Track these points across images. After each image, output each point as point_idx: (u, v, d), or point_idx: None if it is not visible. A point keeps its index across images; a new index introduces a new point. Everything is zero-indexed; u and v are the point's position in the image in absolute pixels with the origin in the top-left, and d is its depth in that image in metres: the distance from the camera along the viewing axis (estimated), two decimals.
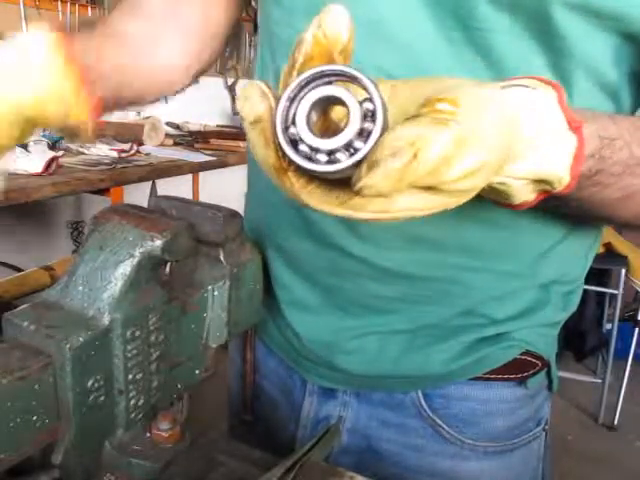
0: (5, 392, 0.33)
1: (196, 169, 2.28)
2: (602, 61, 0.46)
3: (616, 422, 2.42)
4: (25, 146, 1.77)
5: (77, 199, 2.49)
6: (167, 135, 2.47)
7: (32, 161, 1.66)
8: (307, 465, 0.48)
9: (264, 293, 0.55)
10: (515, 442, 0.63)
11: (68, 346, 0.35)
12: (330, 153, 0.29)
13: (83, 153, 2.02)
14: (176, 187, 2.33)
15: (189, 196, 2.50)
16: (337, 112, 0.32)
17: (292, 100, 0.29)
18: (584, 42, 0.44)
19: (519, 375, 0.60)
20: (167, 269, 0.43)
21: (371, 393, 0.62)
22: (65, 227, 2.48)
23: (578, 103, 0.47)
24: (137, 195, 2.04)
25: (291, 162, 0.30)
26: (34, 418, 0.35)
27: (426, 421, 0.61)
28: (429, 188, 0.30)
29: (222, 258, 0.48)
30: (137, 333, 0.40)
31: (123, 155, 2.03)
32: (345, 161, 0.28)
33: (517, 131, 0.32)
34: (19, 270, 1.77)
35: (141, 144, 2.24)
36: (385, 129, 0.29)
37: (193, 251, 0.43)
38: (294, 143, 0.29)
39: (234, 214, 0.48)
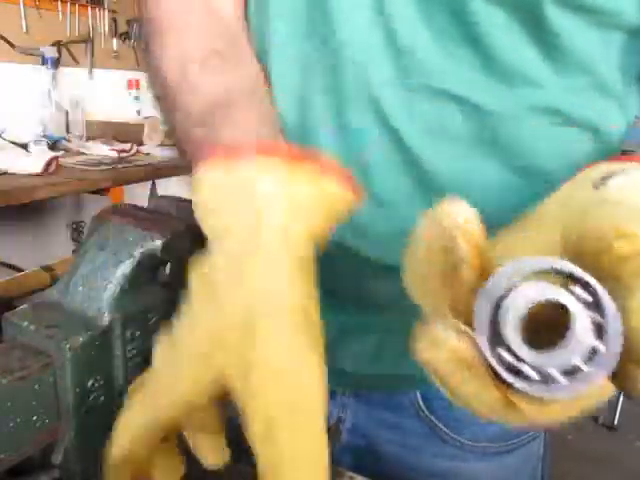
0: (5, 392, 0.33)
1: None
2: (599, 59, 0.46)
3: (616, 422, 2.42)
4: (25, 146, 1.77)
5: (77, 199, 2.49)
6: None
7: (32, 161, 1.67)
8: None
9: None
10: (514, 442, 0.63)
11: (68, 346, 0.35)
12: (539, 370, 0.23)
13: (83, 153, 2.02)
14: (176, 187, 2.33)
15: (189, 196, 2.49)
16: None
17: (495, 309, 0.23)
18: (578, 39, 0.44)
19: None
20: (167, 269, 0.43)
21: (370, 394, 0.62)
22: (65, 227, 2.49)
23: (576, 102, 0.47)
24: (137, 195, 2.04)
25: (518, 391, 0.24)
26: (34, 418, 0.35)
27: (425, 422, 0.61)
28: None
29: None
30: (137, 333, 0.40)
31: (123, 155, 2.03)
32: (568, 385, 0.22)
33: None
34: (19, 270, 1.77)
35: (141, 144, 2.24)
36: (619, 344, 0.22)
37: (193, 251, 0.43)
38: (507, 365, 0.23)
39: None
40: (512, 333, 0.23)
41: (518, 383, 0.23)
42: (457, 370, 0.25)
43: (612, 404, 2.42)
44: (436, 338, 0.25)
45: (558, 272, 0.23)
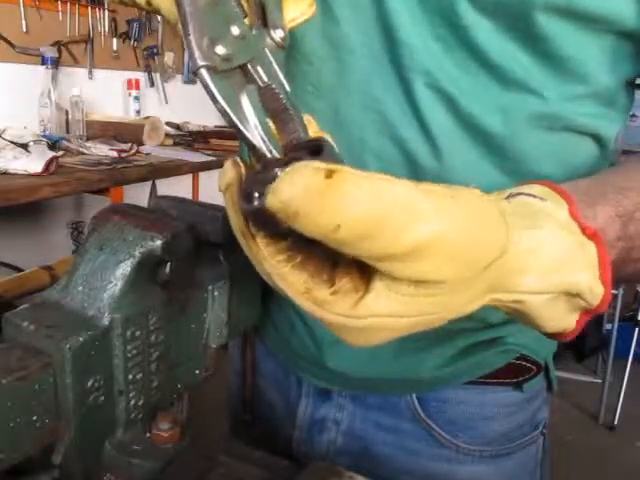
0: (5, 392, 0.33)
1: (196, 169, 2.29)
2: (592, 64, 0.46)
3: (616, 422, 2.42)
4: (25, 146, 1.77)
5: (77, 199, 2.49)
6: (167, 135, 2.47)
7: (32, 161, 1.66)
8: (307, 465, 0.48)
9: (264, 293, 0.55)
10: (511, 446, 0.63)
11: (68, 346, 0.35)
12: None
13: (83, 153, 2.02)
14: (176, 187, 2.33)
15: (189, 196, 2.50)
16: None
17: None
18: (570, 46, 0.44)
19: (515, 379, 0.60)
20: (167, 269, 0.43)
21: (366, 396, 0.62)
22: (65, 227, 2.49)
23: (572, 107, 0.47)
24: (137, 195, 2.04)
25: (256, 224, 0.28)
26: (34, 418, 0.35)
27: (421, 425, 0.61)
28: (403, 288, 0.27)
29: (222, 258, 0.48)
30: (137, 333, 0.40)
31: (123, 155, 2.03)
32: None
33: (519, 242, 0.30)
34: (19, 270, 1.77)
35: (141, 144, 2.24)
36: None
37: (193, 251, 0.43)
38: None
39: None
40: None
41: (243, 204, 0.27)
42: (224, 193, 0.30)
43: (612, 404, 2.42)
44: (224, 167, 0.30)
45: None
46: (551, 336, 0.36)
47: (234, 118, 0.30)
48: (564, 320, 0.34)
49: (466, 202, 0.27)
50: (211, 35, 0.30)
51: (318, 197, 0.23)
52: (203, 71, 0.29)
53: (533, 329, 0.35)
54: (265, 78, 0.33)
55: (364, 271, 0.28)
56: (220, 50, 0.30)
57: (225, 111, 0.30)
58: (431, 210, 0.25)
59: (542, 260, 0.31)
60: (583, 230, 0.33)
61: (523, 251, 0.31)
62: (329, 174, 0.23)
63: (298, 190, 0.23)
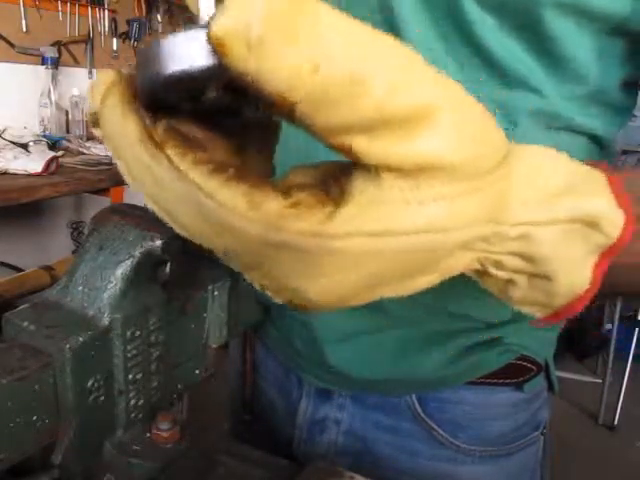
0: (5, 392, 0.33)
1: None
2: (593, 66, 0.46)
3: (616, 422, 2.42)
4: (25, 146, 1.77)
5: (77, 199, 2.49)
6: None
7: (32, 161, 1.66)
8: (307, 465, 0.48)
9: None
10: (512, 446, 0.63)
11: (68, 346, 0.35)
12: None
13: (83, 153, 2.02)
14: None
15: None
16: None
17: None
18: (573, 46, 0.44)
19: (515, 379, 0.60)
20: (167, 269, 0.42)
21: (366, 396, 0.62)
22: (65, 227, 2.49)
23: (570, 107, 0.47)
24: (137, 195, 2.04)
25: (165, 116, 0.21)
26: (34, 418, 0.35)
27: (421, 425, 0.61)
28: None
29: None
30: (137, 333, 0.40)
31: None
32: None
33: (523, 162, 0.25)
34: (19, 270, 1.77)
35: None
36: None
37: (193, 251, 0.43)
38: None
39: None
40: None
41: (154, 75, 0.21)
42: (104, 103, 0.23)
43: (612, 404, 2.42)
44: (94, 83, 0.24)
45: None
46: (554, 318, 0.29)
47: None
48: (580, 268, 0.27)
49: (465, 91, 0.22)
50: None
51: (290, 20, 0.17)
52: None
53: (534, 314, 0.29)
54: None
55: (327, 184, 0.22)
56: None
57: None
58: (434, 76, 0.20)
59: (549, 180, 0.25)
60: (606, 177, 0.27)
61: (527, 170, 0.25)
62: None
63: (262, 9, 0.17)
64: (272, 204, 0.20)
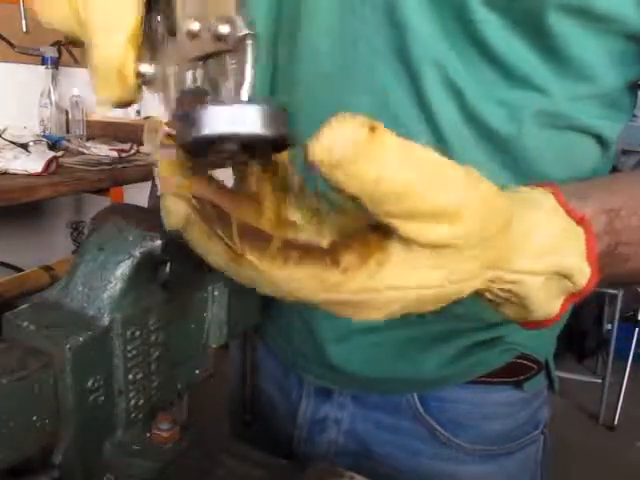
0: (5, 392, 0.33)
1: None
2: (598, 67, 0.46)
3: (616, 422, 2.42)
4: (25, 146, 1.77)
5: (77, 199, 2.49)
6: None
7: (32, 161, 1.66)
8: (307, 465, 0.48)
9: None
10: (512, 446, 0.63)
11: (68, 346, 0.35)
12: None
13: (83, 153, 2.02)
14: None
15: None
16: None
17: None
18: (578, 46, 0.44)
19: (515, 378, 0.60)
20: (167, 269, 0.43)
21: (367, 395, 0.62)
22: (65, 227, 2.48)
23: (575, 107, 0.47)
24: (137, 195, 2.04)
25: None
26: (34, 418, 0.35)
27: (422, 424, 0.61)
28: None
29: None
30: (137, 333, 0.40)
31: (123, 155, 2.02)
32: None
33: (521, 226, 0.32)
34: (19, 270, 1.77)
35: (141, 144, 2.23)
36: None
37: (193, 251, 0.43)
38: None
39: None
40: None
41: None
42: (188, 231, 0.32)
43: (612, 404, 2.42)
44: (166, 208, 0.31)
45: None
46: (530, 326, 0.37)
47: None
48: (552, 304, 0.35)
49: (479, 176, 0.28)
50: None
51: (363, 147, 0.24)
52: None
53: (515, 321, 0.37)
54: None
55: (363, 243, 0.28)
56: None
57: None
58: (462, 178, 0.27)
59: (539, 241, 0.33)
60: (569, 214, 0.35)
61: (523, 230, 0.32)
62: (372, 129, 0.24)
63: (345, 138, 0.24)
64: (330, 276, 0.27)
